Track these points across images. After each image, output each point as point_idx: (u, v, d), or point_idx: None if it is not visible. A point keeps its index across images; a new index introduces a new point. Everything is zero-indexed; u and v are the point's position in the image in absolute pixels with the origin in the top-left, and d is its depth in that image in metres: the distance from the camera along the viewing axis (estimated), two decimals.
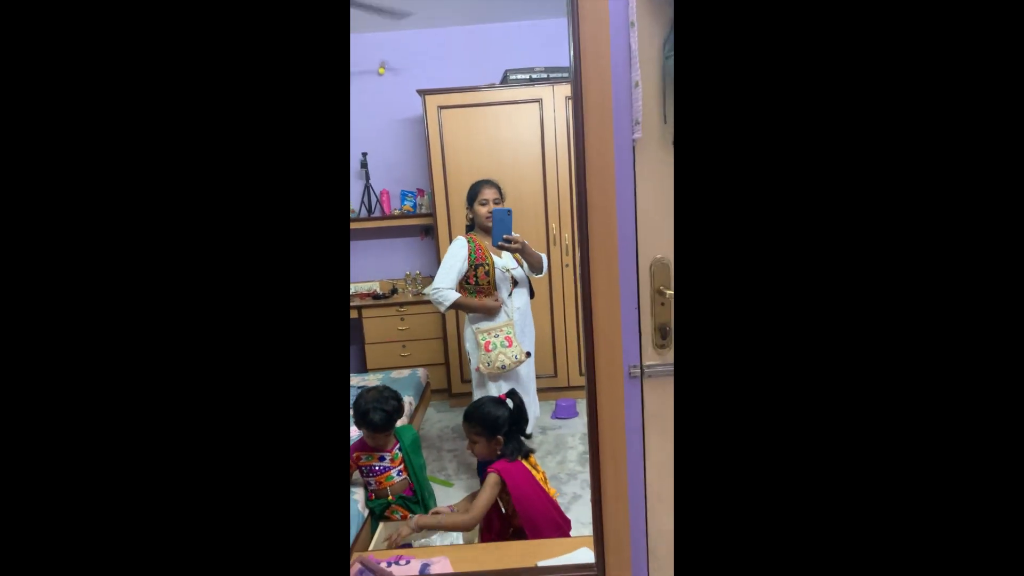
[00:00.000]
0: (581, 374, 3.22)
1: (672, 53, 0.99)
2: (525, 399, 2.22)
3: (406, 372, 3.09)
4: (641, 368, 1.12)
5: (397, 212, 3.51)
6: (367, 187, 3.48)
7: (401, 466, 1.93)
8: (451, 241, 2.24)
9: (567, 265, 3.14)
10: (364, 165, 3.48)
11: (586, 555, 1.40)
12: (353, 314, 3.35)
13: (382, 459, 1.92)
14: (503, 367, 2.11)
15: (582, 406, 3.10)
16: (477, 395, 2.17)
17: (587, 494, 2.27)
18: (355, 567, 1.40)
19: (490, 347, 2.12)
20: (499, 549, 1.52)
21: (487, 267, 2.14)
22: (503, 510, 1.72)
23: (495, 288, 2.17)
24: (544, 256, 2.25)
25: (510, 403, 1.75)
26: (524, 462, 1.69)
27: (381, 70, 3.46)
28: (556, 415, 3.07)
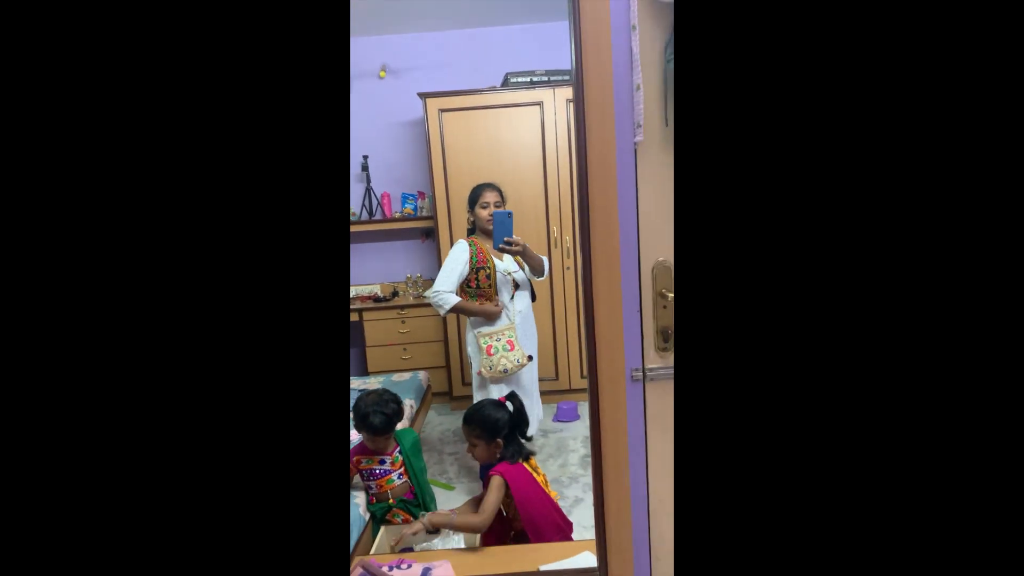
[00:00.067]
0: (583, 377, 3.22)
1: (673, 57, 0.99)
2: (527, 402, 2.22)
3: (407, 375, 3.09)
4: (643, 371, 1.11)
5: (398, 215, 3.52)
6: (368, 190, 3.48)
7: (402, 469, 1.93)
8: (452, 244, 2.24)
9: (568, 268, 3.14)
10: (365, 168, 3.49)
11: (588, 559, 1.40)
12: (354, 317, 3.35)
13: (382, 462, 1.91)
14: (505, 371, 2.11)
15: (583, 409, 3.10)
16: (478, 398, 2.17)
17: (589, 497, 2.27)
18: (356, 571, 1.40)
19: (492, 351, 2.12)
20: (501, 553, 1.51)
21: (488, 270, 2.14)
22: (504, 513, 1.71)
23: (496, 292, 2.17)
24: (545, 259, 2.25)
25: (510, 406, 1.75)
26: (525, 465, 1.69)
27: (382, 73, 3.47)
28: (557, 418, 3.06)
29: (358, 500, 1.88)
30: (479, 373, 2.17)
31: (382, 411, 1.85)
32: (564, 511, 1.74)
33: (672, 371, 1.11)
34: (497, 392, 2.10)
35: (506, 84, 3.06)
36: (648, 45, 1.02)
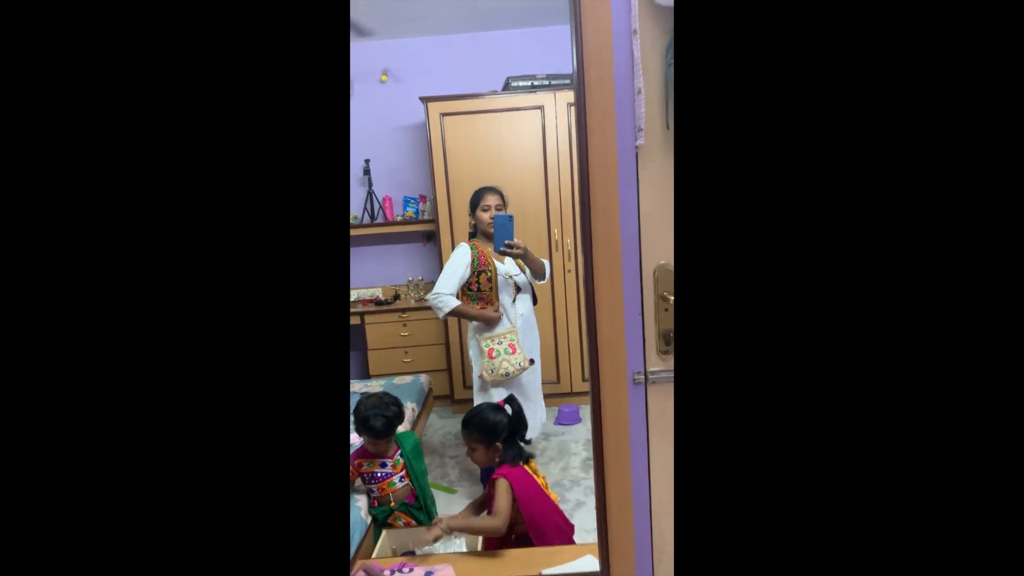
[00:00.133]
0: (584, 380, 3.21)
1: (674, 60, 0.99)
2: (530, 405, 2.22)
3: (409, 378, 3.09)
4: (645, 374, 1.11)
5: (400, 218, 3.52)
6: (370, 193, 3.49)
7: (403, 472, 1.93)
8: (453, 247, 2.25)
9: (569, 271, 3.14)
10: (367, 172, 3.49)
11: (591, 563, 1.40)
12: (356, 320, 3.35)
13: (384, 465, 1.91)
14: (507, 374, 2.11)
15: (585, 412, 3.09)
16: (478, 401, 2.17)
17: (590, 501, 2.27)
18: (358, 575, 1.40)
19: (493, 354, 2.12)
20: (503, 557, 1.51)
21: (489, 273, 2.14)
22: None
23: (497, 296, 2.17)
24: (546, 262, 2.25)
25: (508, 409, 1.75)
26: (525, 467, 1.68)
27: (384, 77, 3.48)
28: (559, 421, 3.06)
29: (360, 504, 1.88)
30: (480, 376, 2.17)
31: (383, 414, 1.85)
32: (566, 514, 1.74)
33: (674, 374, 1.11)
34: (498, 396, 2.10)
35: (507, 88, 3.06)
36: (649, 49, 1.02)
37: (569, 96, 2.99)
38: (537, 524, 1.60)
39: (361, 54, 3.42)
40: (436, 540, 1.55)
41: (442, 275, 2.13)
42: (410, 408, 2.53)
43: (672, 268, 1.08)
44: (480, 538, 1.61)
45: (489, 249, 2.16)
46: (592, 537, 1.33)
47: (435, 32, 3.37)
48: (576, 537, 1.71)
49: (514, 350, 2.13)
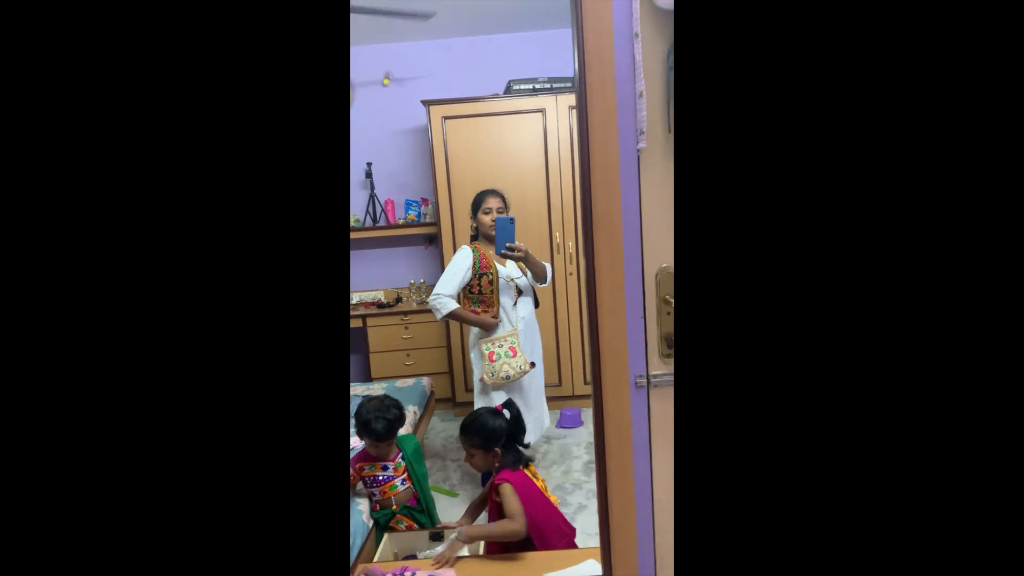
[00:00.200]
0: (586, 383, 3.21)
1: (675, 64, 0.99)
2: (532, 409, 2.22)
3: (410, 381, 3.09)
4: (647, 378, 1.11)
5: (401, 221, 3.53)
6: (372, 196, 3.49)
7: (404, 475, 1.93)
8: (455, 250, 2.25)
9: (571, 274, 3.14)
10: (369, 175, 3.50)
11: (593, 567, 1.39)
12: (357, 323, 3.36)
13: (385, 468, 1.91)
14: (507, 377, 2.10)
15: (587, 415, 3.09)
16: (479, 404, 2.16)
17: (592, 504, 2.26)
18: None
19: (494, 357, 2.12)
20: (505, 561, 1.51)
21: (491, 276, 2.14)
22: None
23: (498, 299, 2.17)
24: (548, 265, 2.25)
25: (507, 413, 1.74)
26: (525, 471, 1.68)
27: (386, 81, 3.49)
28: (561, 424, 3.06)
29: (361, 507, 1.88)
30: (481, 379, 2.17)
31: (384, 417, 1.85)
32: (568, 518, 1.73)
33: None
34: (499, 399, 2.10)
35: (509, 91, 3.07)
36: (650, 52, 1.02)
37: (570, 99, 3.00)
38: (540, 527, 1.60)
39: (363, 58, 3.43)
40: (459, 550, 1.52)
41: (443, 277, 2.13)
42: (411, 411, 2.52)
43: (673, 271, 1.08)
44: (482, 542, 1.60)
45: (491, 252, 2.16)
46: (594, 541, 1.32)
47: (437, 36, 3.38)
48: (578, 541, 1.71)
49: (515, 353, 2.12)
